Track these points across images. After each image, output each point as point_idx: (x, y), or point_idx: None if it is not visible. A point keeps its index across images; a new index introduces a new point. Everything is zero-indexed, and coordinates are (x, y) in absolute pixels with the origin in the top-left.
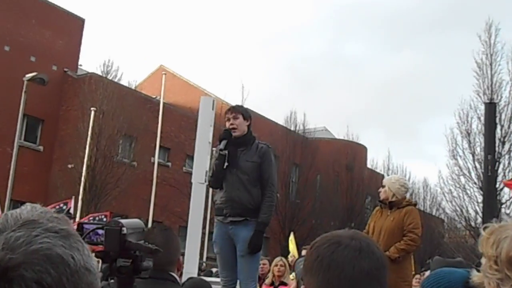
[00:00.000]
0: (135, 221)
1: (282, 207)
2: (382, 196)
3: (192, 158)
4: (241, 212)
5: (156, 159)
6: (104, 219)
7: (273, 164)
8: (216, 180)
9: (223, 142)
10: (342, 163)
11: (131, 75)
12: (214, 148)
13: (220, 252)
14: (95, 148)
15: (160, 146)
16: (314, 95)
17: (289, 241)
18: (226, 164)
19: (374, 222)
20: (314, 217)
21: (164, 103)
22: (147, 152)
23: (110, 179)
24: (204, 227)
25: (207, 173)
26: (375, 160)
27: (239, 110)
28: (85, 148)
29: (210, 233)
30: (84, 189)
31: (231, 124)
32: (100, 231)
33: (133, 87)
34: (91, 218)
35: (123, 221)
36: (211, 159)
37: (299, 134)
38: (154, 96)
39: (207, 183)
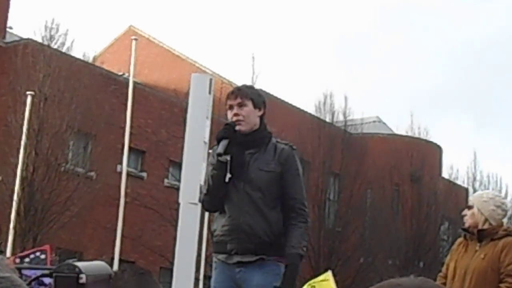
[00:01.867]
0: (98, 264)
1: (314, 239)
2: (468, 222)
3: (178, 165)
4: (254, 248)
5: (125, 167)
6: (43, 258)
7: (300, 173)
8: (214, 199)
9: (223, 143)
10: (404, 170)
11: (86, 43)
12: (210, 151)
13: None
14: (33, 151)
15: (131, 148)
16: (360, 71)
17: (324, 282)
18: (228, 175)
19: (456, 261)
20: (363, 253)
21: (135, 83)
22: (111, 157)
23: (56, 198)
24: (197, 270)
25: (201, 188)
26: (454, 166)
27: (246, 94)
28: (18, 151)
29: (207, 278)
30: (18, 213)
31: (235, 114)
32: (47, 280)
33: (89, 60)
34: (20, 257)
35: (80, 264)
36: (207, 167)
37: (338, 128)
38: (120, 73)
39: (201, 203)
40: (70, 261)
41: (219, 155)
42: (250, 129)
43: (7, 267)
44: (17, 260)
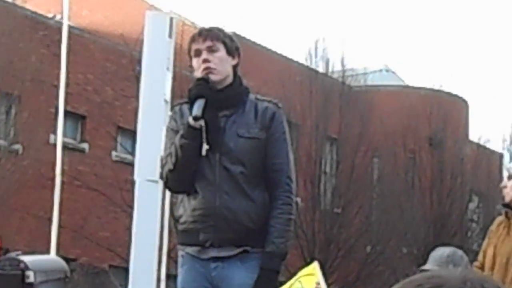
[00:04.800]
0: (49, 259)
1: (307, 224)
2: (509, 195)
3: (129, 133)
4: (234, 238)
5: (60, 137)
6: None
7: (287, 138)
8: (182, 177)
9: (199, 103)
10: (421, 133)
11: None
12: (170, 113)
13: None
14: None
15: (67, 112)
16: (360, 13)
17: (309, 277)
18: (205, 146)
19: (495, 247)
20: (370, 240)
21: (70, 28)
22: (41, 124)
23: None
24: (158, 268)
25: (163, 161)
26: (485, 126)
27: (218, 36)
28: None
29: (171, 278)
30: None
31: (204, 61)
32: None
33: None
34: None
35: (26, 259)
36: (168, 134)
37: (334, 80)
38: (50, 15)
39: (163, 181)
40: (13, 254)
41: (195, 118)
42: (222, 83)
43: None
44: None
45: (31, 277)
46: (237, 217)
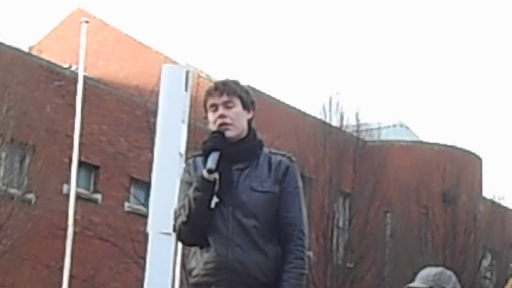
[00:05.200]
0: None
1: (319, 278)
2: None
3: (142, 184)
4: None
5: (73, 187)
6: None
7: (300, 192)
8: (195, 229)
9: (214, 156)
10: (435, 188)
11: (21, 29)
12: (183, 165)
13: None
14: None
15: (81, 163)
16: (374, 69)
17: None
18: (215, 200)
19: None
20: None
21: (86, 79)
22: (55, 174)
23: None
24: None
25: (176, 214)
26: (499, 183)
27: (234, 90)
28: None
29: None
30: None
31: (221, 116)
32: None
33: (25, 49)
34: None
35: None
36: (182, 186)
37: (349, 135)
38: (66, 65)
39: (175, 233)
40: None
41: (209, 171)
42: (238, 136)
43: None
44: None
45: None
46: (250, 271)
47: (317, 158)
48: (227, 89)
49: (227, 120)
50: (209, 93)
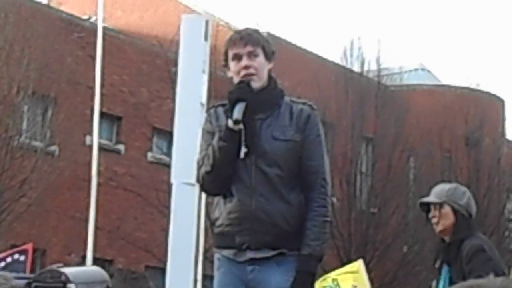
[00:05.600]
0: (90, 271)
1: (343, 223)
2: None
3: (164, 134)
4: (271, 240)
5: (96, 139)
6: (22, 260)
7: (322, 140)
8: (219, 179)
9: (240, 107)
10: (458, 132)
11: None
12: (204, 115)
13: None
14: None
15: (103, 114)
16: (396, 12)
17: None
18: (244, 150)
19: None
20: (406, 240)
21: (106, 29)
22: (77, 126)
23: (9, 182)
24: (195, 268)
25: (198, 164)
26: None
27: (258, 40)
28: None
29: (207, 278)
30: None
31: (245, 67)
32: None
33: (44, 2)
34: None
35: (67, 271)
36: (203, 136)
37: (370, 80)
38: (85, 17)
39: (199, 183)
40: (54, 266)
41: (236, 122)
42: (262, 86)
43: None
44: None
45: None
46: (273, 220)
47: (339, 104)
48: (252, 39)
49: (252, 71)
50: (232, 43)
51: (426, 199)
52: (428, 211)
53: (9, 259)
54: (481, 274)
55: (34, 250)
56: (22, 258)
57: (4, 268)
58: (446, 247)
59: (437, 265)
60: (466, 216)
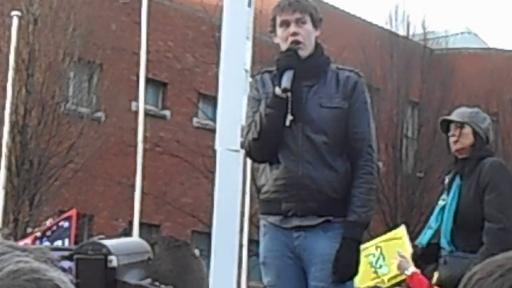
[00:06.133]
0: (132, 242)
1: (389, 188)
2: None
3: (210, 99)
4: (317, 207)
5: (142, 104)
6: (67, 226)
7: (368, 107)
8: (266, 146)
9: (288, 75)
10: (505, 95)
11: None
12: (251, 80)
13: (275, 282)
14: (23, 88)
15: (148, 80)
16: None
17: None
18: (289, 117)
19: None
20: None
21: None
22: (123, 92)
23: (56, 148)
24: (240, 233)
25: (244, 130)
26: None
27: (306, 7)
28: (4, 90)
29: (253, 243)
30: (8, 168)
31: (293, 34)
32: (67, 264)
33: None
34: (42, 233)
35: (108, 243)
36: (250, 102)
37: (416, 43)
38: None
39: (245, 150)
40: (96, 238)
41: (285, 90)
42: (308, 55)
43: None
44: (39, 237)
45: (114, 261)
46: (320, 187)
47: (384, 68)
48: (300, 6)
49: (300, 38)
50: (280, 9)
51: (448, 117)
52: (447, 131)
53: (54, 228)
54: (498, 189)
55: (82, 216)
56: (66, 224)
57: (50, 236)
58: (462, 161)
59: (447, 178)
60: (484, 140)
